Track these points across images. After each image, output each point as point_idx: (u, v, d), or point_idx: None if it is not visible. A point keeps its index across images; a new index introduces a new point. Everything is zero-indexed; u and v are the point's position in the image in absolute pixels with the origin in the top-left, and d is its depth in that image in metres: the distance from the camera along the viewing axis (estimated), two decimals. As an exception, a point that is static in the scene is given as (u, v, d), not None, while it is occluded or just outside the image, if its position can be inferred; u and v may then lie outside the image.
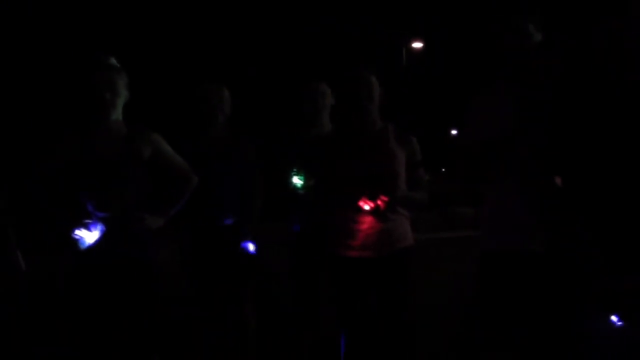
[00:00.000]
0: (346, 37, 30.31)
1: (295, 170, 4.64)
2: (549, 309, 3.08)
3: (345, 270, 3.94)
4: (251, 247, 4.66)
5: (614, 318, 2.12)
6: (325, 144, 4.22)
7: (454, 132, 37.84)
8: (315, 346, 4.86)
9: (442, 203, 20.44)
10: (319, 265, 4.68)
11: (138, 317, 3.76)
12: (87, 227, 3.59)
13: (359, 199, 3.77)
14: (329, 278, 4.14)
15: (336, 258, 3.98)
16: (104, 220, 3.67)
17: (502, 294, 3.34)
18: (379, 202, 3.76)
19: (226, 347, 4.64)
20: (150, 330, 3.80)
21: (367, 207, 3.78)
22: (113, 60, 3.82)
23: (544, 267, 3.07)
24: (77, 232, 3.57)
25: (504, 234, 3.34)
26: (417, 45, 31.70)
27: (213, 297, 4.63)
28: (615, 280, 2.15)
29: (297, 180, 4.64)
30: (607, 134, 2.48)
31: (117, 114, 3.83)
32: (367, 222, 3.86)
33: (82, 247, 3.58)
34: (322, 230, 4.15)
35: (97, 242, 3.64)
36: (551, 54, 3.10)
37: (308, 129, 4.93)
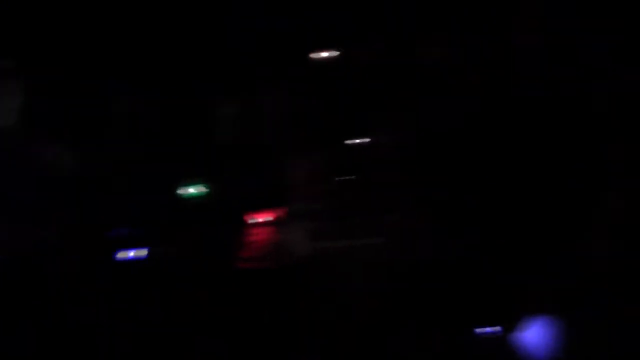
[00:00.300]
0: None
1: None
2: None
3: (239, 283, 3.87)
4: None
5: (485, 329, 2.11)
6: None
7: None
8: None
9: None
10: None
11: None
12: None
13: (254, 211, 3.79)
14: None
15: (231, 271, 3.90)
16: None
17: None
18: (269, 215, 3.80)
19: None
20: None
21: (260, 220, 3.81)
22: None
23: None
24: None
25: None
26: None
27: None
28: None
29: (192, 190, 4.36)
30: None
31: None
32: (260, 234, 3.84)
33: None
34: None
35: None
36: None
37: None
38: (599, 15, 2.64)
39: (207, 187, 4.26)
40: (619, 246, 2.21)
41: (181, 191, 4.36)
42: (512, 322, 2.04)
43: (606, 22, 2.64)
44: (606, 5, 2.63)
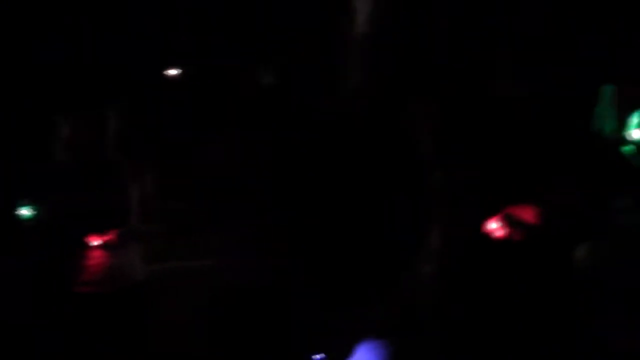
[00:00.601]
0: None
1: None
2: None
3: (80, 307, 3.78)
4: None
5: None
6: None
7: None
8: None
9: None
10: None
11: None
12: None
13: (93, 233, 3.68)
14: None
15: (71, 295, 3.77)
16: None
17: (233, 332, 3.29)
18: (108, 237, 3.70)
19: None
20: None
21: (95, 243, 3.69)
22: None
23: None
24: None
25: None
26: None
27: None
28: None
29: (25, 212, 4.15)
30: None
31: None
32: (96, 257, 3.73)
33: None
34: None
35: None
36: None
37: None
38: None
39: (37, 209, 4.11)
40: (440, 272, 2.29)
41: (17, 212, 4.14)
42: (338, 349, 2.01)
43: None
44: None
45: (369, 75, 2.47)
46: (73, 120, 3.90)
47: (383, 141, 2.20)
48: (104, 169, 3.86)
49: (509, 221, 2.38)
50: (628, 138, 1.65)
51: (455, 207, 2.26)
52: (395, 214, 2.16)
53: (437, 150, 2.27)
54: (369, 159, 2.18)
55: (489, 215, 2.41)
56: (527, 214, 2.39)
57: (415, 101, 2.30)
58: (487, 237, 2.40)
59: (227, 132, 3.61)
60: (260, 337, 3.18)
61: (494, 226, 2.38)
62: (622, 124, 1.74)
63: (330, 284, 2.11)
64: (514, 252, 2.43)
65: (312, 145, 2.25)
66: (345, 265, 2.11)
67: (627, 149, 1.65)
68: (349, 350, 2.01)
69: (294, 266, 2.28)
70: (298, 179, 2.23)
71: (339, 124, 2.25)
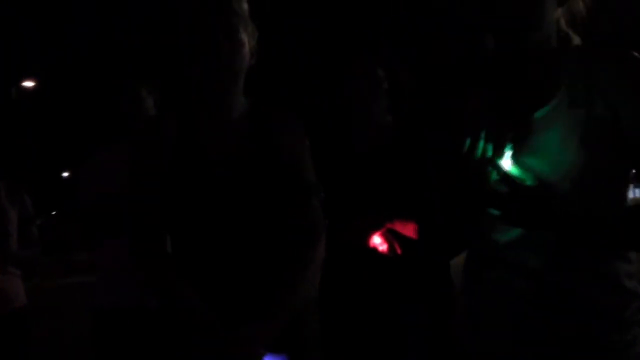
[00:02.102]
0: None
1: None
2: None
3: None
4: None
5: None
6: None
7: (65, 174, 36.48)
8: None
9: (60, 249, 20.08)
10: None
11: None
12: None
13: None
14: None
15: None
16: None
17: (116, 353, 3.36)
18: None
19: None
20: None
21: None
22: None
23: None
24: None
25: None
26: (29, 84, 29.56)
27: None
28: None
29: None
30: None
31: None
32: None
33: None
34: None
35: None
36: None
37: None
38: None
39: None
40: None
41: None
42: None
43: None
44: None
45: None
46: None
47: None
48: None
49: (391, 236, 2.52)
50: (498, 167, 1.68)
51: (342, 223, 2.36)
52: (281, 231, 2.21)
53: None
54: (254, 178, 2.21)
55: (374, 231, 2.53)
56: (408, 229, 2.54)
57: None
58: (372, 251, 2.53)
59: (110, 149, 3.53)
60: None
61: (378, 241, 2.51)
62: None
63: (220, 301, 2.12)
64: (395, 265, 2.56)
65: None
66: (232, 283, 2.15)
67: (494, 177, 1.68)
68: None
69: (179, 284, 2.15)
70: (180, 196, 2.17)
71: None
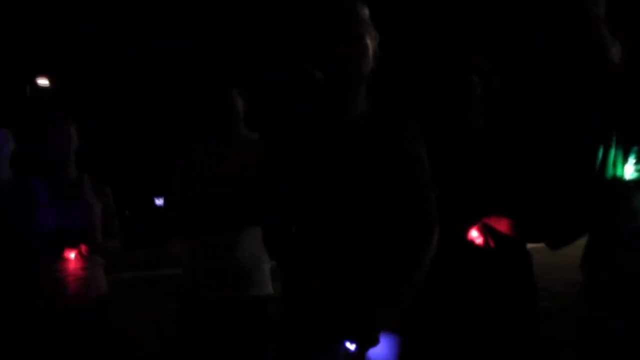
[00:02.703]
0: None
1: None
2: None
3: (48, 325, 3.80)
4: None
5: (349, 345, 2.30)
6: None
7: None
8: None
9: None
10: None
11: None
12: None
13: (58, 248, 3.75)
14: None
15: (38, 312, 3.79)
16: None
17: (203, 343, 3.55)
18: (82, 250, 3.79)
19: None
20: None
21: (72, 256, 3.77)
22: None
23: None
24: None
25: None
26: (43, 82, 29.98)
27: None
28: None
29: None
30: None
31: None
32: (69, 271, 3.80)
33: None
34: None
35: None
36: None
37: None
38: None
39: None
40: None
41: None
42: (366, 338, 2.29)
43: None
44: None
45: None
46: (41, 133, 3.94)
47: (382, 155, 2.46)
48: (69, 185, 3.95)
49: (486, 231, 2.72)
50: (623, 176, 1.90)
51: (445, 220, 2.55)
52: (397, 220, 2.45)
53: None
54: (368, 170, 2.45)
55: (471, 225, 2.73)
56: (502, 225, 2.73)
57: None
58: (469, 243, 2.73)
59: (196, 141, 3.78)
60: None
61: (475, 234, 2.71)
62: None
63: (341, 281, 2.36)
64: (489, 258, 2.76)
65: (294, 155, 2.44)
66: (353, 265, 2.39)
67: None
68: (374, 339, 2.28)
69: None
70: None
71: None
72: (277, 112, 2.65)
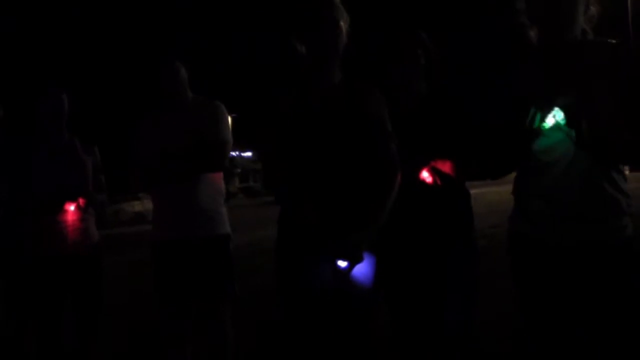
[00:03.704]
0: None
1: None
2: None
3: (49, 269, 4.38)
4: None
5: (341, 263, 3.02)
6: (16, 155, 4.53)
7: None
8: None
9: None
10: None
11: None
12: None
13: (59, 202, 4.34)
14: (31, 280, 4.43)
15: (41, 259, 4.37)
16: None
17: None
18: (80, 203, 4.38)
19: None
20: None
21: (72, 208, 4.36)
22: None
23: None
24: None
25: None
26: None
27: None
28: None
29: None
30: None
31: None
32: (68, 222, 4.38)
33: None
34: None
35: None
36: None
37: None
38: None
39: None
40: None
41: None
42: (354, 258, 2.98)
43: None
44: None
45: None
46: (38, 102, 4.45)
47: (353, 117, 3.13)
48: (64, 147, 4.48)
49: (434, 172, 3.42)
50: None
51: (402, 163, 3.22)
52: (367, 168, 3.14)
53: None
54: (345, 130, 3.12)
55: (421, 168, 3.43)
56: (446, 166, 3.43)
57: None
58: (421, 182, 3.42)
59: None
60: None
61: (425, 175, 3.40)
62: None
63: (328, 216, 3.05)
64: (435, 194, 3.45)
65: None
66: (335, 202, 3.08)
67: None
68: (360, 257, 3.00)
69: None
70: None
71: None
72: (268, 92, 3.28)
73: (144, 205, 27.86)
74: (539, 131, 2.66)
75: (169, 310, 4.07)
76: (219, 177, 4.22)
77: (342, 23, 3.12)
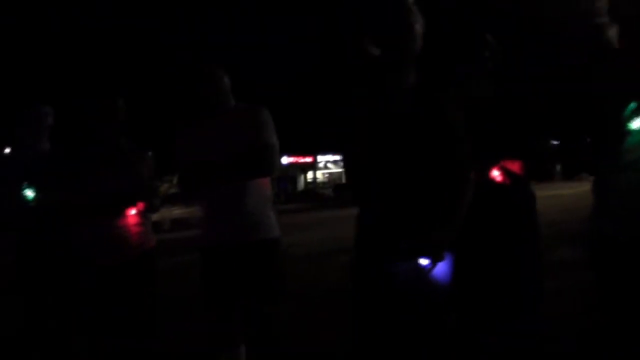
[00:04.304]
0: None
1: (26, 183, 4.74)
2: None
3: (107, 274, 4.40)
4: None
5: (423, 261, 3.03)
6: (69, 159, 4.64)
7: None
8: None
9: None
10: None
11: None
12: None
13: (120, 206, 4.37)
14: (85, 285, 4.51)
15: (95, 265, 4.41)
16: None
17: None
18: (140, 207, 4.43)
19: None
20: None
21: (132, 212, 4.40)
22: None
23: None
24: None
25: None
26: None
27: None
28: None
29: (29, 193, 4.74)
30: None
31: None
32: (125, 226, 4.42)
33: None
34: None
35: None
36: None
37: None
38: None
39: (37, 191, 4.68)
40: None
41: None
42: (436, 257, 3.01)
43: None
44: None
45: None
46: (91, 107, 4.46)
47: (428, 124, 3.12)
48: (117, 153, 4.50)
49: (504, 171, 3.38)
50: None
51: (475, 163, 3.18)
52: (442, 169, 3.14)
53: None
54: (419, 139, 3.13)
55: (492, 167, 3.39)
56: (515, 166, 3.39)
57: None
58: (491, 181, 3.38)
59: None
60: None
61: (496, 173, 3.37)
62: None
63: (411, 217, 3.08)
64: (503, 192, 3.47)
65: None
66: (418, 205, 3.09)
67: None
68: (442, 256, 3.04)
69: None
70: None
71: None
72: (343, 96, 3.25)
73: (182, 211, 28.03)
74: (628, 131, 2.64)
75: (217, 313, 4.10)
76: (266, 182, 4.20)
77: (417, 26, 3.08)
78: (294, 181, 66.10)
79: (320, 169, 71.43)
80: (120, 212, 4.34)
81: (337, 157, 71.21)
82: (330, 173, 72.33)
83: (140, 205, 4.38)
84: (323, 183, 69.60)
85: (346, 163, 3.26)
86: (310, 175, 70.29)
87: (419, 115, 3.08)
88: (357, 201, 3.20)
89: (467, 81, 3.57)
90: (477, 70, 3.56)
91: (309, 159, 67.53)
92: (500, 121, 3.51)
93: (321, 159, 70.19)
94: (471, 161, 3.15)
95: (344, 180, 72.58)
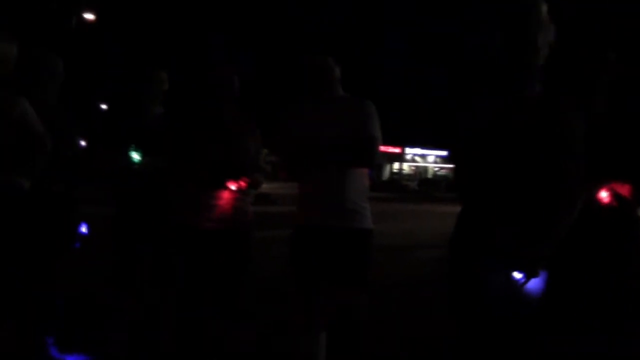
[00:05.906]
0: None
1: (133, 145, 4.87)
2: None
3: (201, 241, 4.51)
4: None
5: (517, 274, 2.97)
6: (181, 126, 4.74)
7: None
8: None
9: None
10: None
11: None
12: None
13: (223, 179, 4.42)
14: (180, 248, 4.62)
15: (191, 229, 4.52)
16: None
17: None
18: (242, 183, 4.45)
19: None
20: None
21: (233, 187, 4.43)
22: None
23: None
24: None
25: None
26: (89, 16, 31.68)
27: None
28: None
29: (135, 156, 4.88)
30: None
31: None
32: (225, 198, 4.49)
33: None
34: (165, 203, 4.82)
35: None
36: None
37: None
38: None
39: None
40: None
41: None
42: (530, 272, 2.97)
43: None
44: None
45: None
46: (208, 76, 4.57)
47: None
48: (228, 126, 4.59)
49: (612, 192, 3.35)
50: None
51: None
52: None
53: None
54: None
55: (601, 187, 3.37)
56: (624, 189, 3.36)
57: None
58: (597, 201, 3.36)
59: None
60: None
61: (604, 195, 3.34)
62: None
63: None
64: (614, 213, 3.44)
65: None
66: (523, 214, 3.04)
67: None
68: (536, 272, 3.00)
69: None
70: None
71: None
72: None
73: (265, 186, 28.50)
74: None
75: (304, 295, 4.17)
76: (365, 173, 4.26)
77: (539, 37, 3.01)
78: (380, 169, 66.08)
79: (407, 160, 71.14)
80: (225, 183, 4.42)
81: (426, 152, 70.69)
82: (416, 166, 71.95)
83: (243, 181, 4.45)
84: (408, 175, 69.34)
85: (458, 163, 3.25)
86: (396, 166, 70.05)
87: (542, 126, 3.03)
88: (462, 201, 3.21)
89: (594, 96, 3.55)
90: (600, 85, 3.53)
91: (397, 150, 67.20)
92: (614, 140, 3.47)
93: (409, 151, 69.87)
94: (584, 180, 3.10)
95: (429, 176, 72.84)
